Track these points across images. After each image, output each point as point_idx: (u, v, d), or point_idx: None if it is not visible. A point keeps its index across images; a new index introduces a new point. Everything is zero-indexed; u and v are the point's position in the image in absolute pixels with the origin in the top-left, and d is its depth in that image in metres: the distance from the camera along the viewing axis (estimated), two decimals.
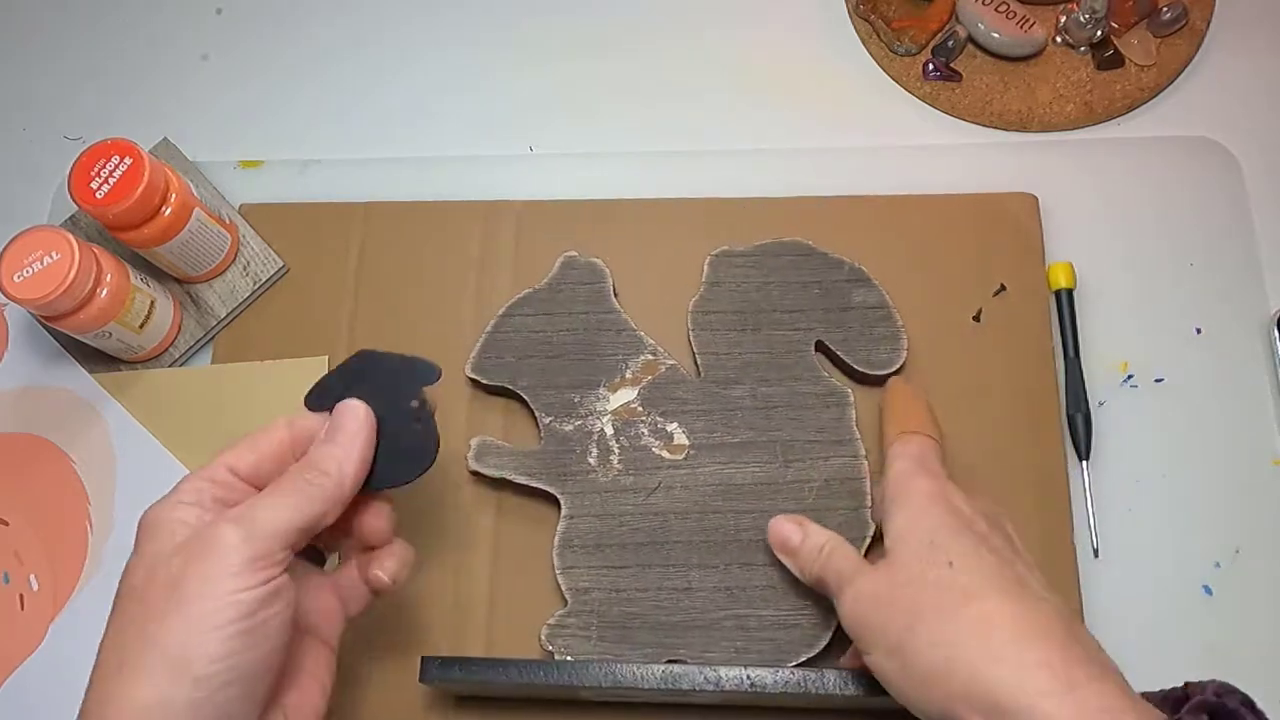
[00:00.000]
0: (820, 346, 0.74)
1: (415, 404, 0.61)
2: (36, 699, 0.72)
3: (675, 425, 0.73)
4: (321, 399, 0.61)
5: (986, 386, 0.75)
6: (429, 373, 0.61)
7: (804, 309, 0.75)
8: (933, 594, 0.56)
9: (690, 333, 0.75)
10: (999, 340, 0.76)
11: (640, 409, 0.73)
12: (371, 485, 0.60)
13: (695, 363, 0.75)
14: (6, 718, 0.71)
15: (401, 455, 0.60)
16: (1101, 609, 0.70)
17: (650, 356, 0.74)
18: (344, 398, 0.60)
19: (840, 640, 0.68)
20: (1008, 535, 0.62)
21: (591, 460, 0.72)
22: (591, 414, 0.73)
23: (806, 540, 0.65)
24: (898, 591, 0.58)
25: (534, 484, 0.72)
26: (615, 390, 0.73)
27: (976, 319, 0.76)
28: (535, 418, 0.74)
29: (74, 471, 0.76)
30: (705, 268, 0.76)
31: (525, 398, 0.74)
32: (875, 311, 0.74)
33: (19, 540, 0.75)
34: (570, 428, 0.73)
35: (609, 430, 0.73)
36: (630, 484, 0.71)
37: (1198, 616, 0.70)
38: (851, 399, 0.73)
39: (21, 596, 0.74)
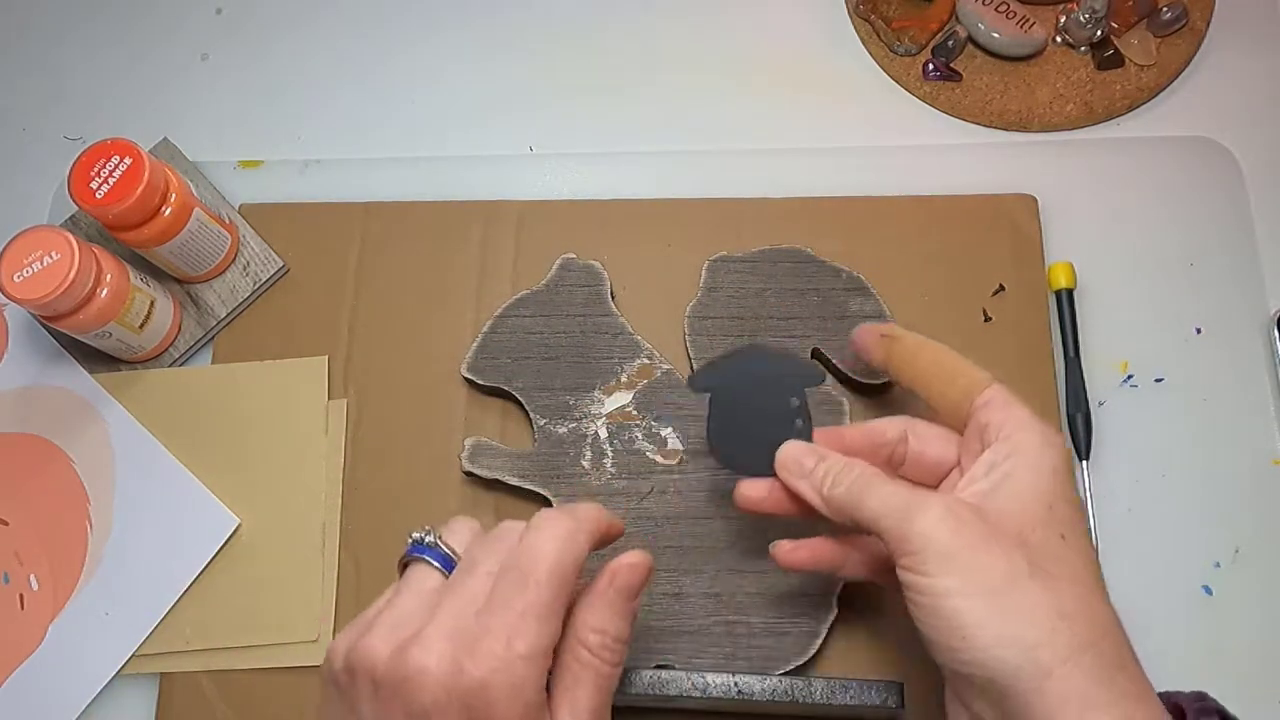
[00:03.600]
0: (816, 354, 0.74)
1: (796, 403, 0.63)
2: (36, 699, 0.72)
3: (669, 430, 0.73)
4: (706, 379, 0.64)
5: None
6: (814, 376, 0.64)
7: (801, 316, 0.75)
8: (1044, 554, 0.52)
9: (687, 337, 0.75)
10: (999, 340, 0.76)
11: (635, 413, 0.73)
12: (725, 463, 0.64)
13: (691, 367, 0.75)
14: (6, 718, 0.72)
15: (768, 448, 0.61)
16: None
17: (646, 360, 0.74)
18: (726, 383, 0.64)
19: (828, 650, 0.68)
20: None
21: (585, 463, 0.72)
22: (586, 417, 0.73)
23: (825, 461, 0.59)
24: (1003, 531, 0.52)
25: (527, 486, 0.72)
26: (610, 393, 0.74)
27: (986, 319, 0.76)
28: (530, 419, 0.74)
29: (74, 471, 0.77)
30: (703, 273, 0.76)
31: (520, 399, 0.74)
32: (872, 320, 0.74)
33: (19, 540, 0.75)
34: (564, 430, 0.73)
35: (603, 433, 0.73)
36: (623, 488, 0.71)
37: (1198, 616, 0.70)
38: (846, 407, 0.72)
39: (21, 596, 0.74)
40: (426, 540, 0.55)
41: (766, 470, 0.61)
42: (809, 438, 0.62)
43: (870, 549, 0.61)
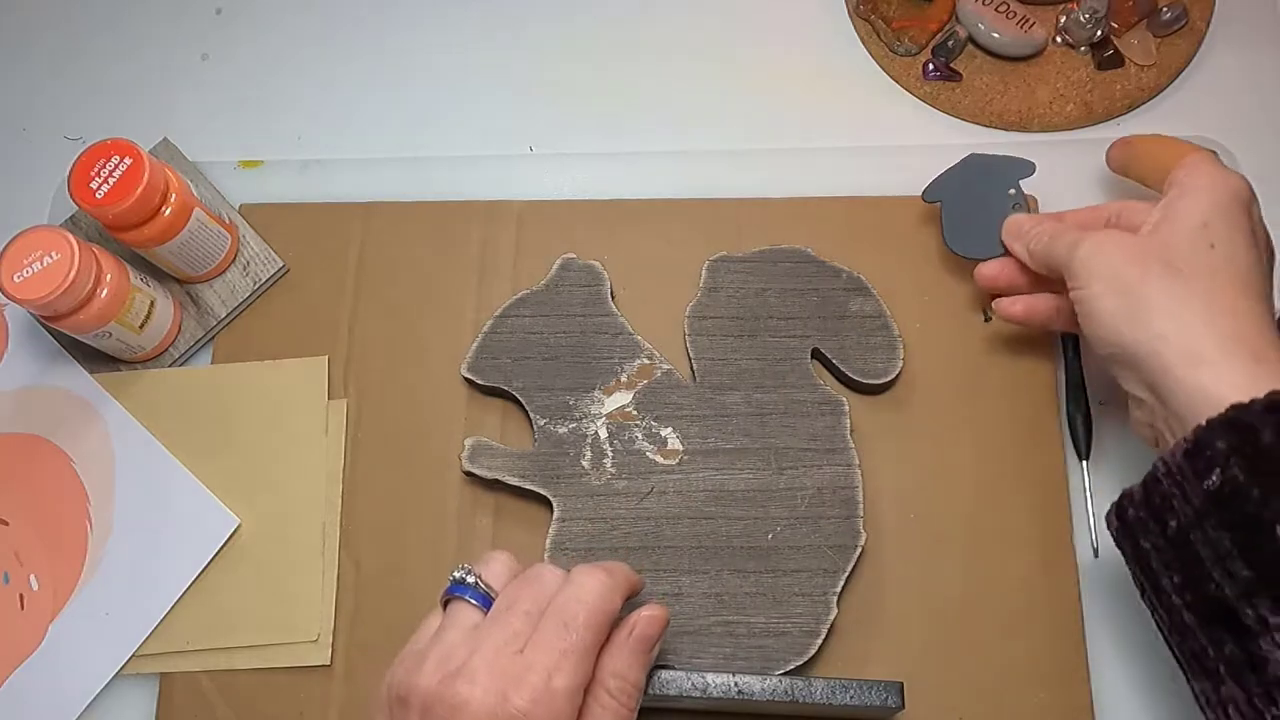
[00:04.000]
0: (816, 354, 0.74)
1: (1012, 191, 0.75)
2: (36, 699, 0.72)
3: (669, 430, 0.73)
4: (935, 192, 0.77)
5: (986, 386, 0.75)
6: (1027, 168, 0.76)
7: (801, 316, 0.75)
8: (1186, 259, 0.61)
9: (687, 337, 0.75)
10: (999, 340, 0.76)
11: (635, 413, 0.73)
12: (964, 255, 0.75)
13: (691, 368, 0.75)
14: (6, 718, 0.72)
15: (998, 233, 0.74)
16: (1101, 609, 0.70)
17: (646, 360, 0.74)
18: (952, 191, 0.76)
19: (828, 650, 0.68)
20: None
21: (585, 463, 0.72)
22: (586, 417, 0.73)
23: (1037, 225, 0.71)
24: (1150, 246, 0.63)
25: (526, 486, 0.72)
26: (610, 393, 0.74)
27: (986, 319, 0.76)
28: (530, 419, 0.74)
29: (74, 471, 0.77)
30: (703, 273, 0.76)
31: (520, 399, 0.74)
32: (872, 320, 0.74)
33: (19, 540, 0.75)
34: (564, 430, 0.73)
35: (603, 434, 0.73)
36: (623, 488, 0.72)
37: None
38: (846, 407, 0.73)
39: (21, 596, 0.74)
40: (468, 580, 0.59)
41: (993, 252, 0.74)
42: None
43: (1070, 306, 0.67)
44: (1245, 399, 0.54)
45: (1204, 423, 0.55)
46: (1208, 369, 0.57)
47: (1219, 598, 0.54)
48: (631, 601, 0.61)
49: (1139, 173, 0.74)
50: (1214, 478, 0.54)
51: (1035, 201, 0.78)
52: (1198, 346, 0.58)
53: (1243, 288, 0.60)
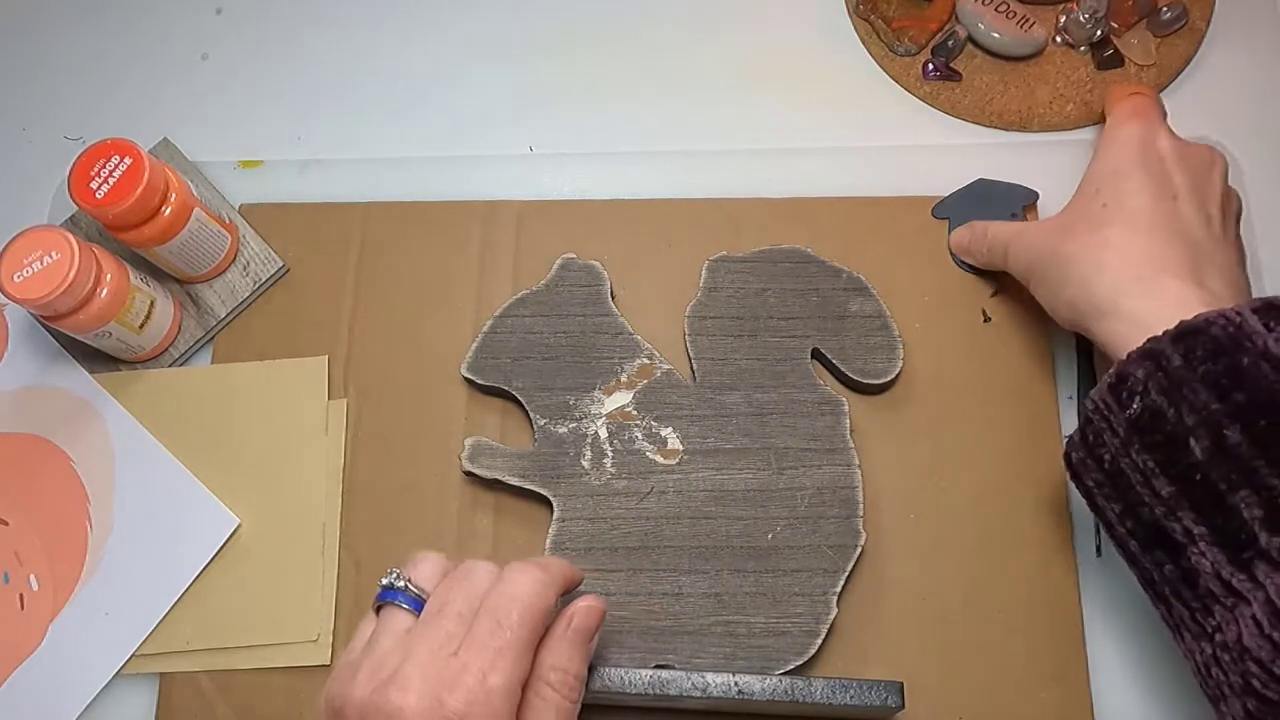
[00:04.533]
0: (816, 354, 0.74)
1: (1014, 215, 0.78)
2: (36, 699, 0.72)
3: (669, 430, 0.73)
4: (945, 208, 0.79)
5: (986, 386, 0.75)
6: (1030, 196, 0.79)
7: (801, 316, 0.75)
8: (1079, 225, 0.67)
9: (687, 337, 0.75)
10: (999, 340, 0.76)
11: (635, 413, 0.73)
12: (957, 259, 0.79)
13: (691, 367, 0.75)
14: (6, 718, 0.72)
15: None
16: (1101, 609, 0.70)
17: (646, 360, 0.74)
18: (961, 210, 0.79)
19: (828, 650, 0.69)
20: (1213, 188, 0.69)
21: (585, 463, 0.72)
22: (586, 417, 0.73)
23: (974, 230, 0.76)
24: (1055, 225, 0.69)
25: (526, 485, 0.72)
26: (610, 393, 0.74)
27: (986, 319, 0.76)
28: (530, 419, 0.74)
29: (74, 471, 0.77)
30: (703, 272, 0.76)
31: (520, 399, 0.74)
32: (872, 320, 0.74)
33: (19, 540, 0.75)
34: (564, 430, 0.73)
35: (603, 433, 0.73)
36: (623, 488, 0.71)
37: None
38: (846, 408, 0.72)
39: (22, 596, 0.74)
40: (397, 585, 0.59)
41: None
42: None
43: None
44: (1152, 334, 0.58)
45: (1124, 356, 0.59)
46: (1109, 320, 0.62)
47: (1152, 520, 0.58)
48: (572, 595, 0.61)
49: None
50: (1135, 405, 0.58)
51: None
52: (1098, 302, 0.63)
53: (1139, 229, 0.65)
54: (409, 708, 0.52)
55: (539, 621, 0.57)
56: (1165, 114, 0.74)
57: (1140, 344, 0.58)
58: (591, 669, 0.62)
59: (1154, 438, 0.57)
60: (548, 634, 0.58)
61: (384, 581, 0.60)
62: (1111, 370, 0.60)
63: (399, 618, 0.58)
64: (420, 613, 0.58)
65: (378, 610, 0.60)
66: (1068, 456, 0.64)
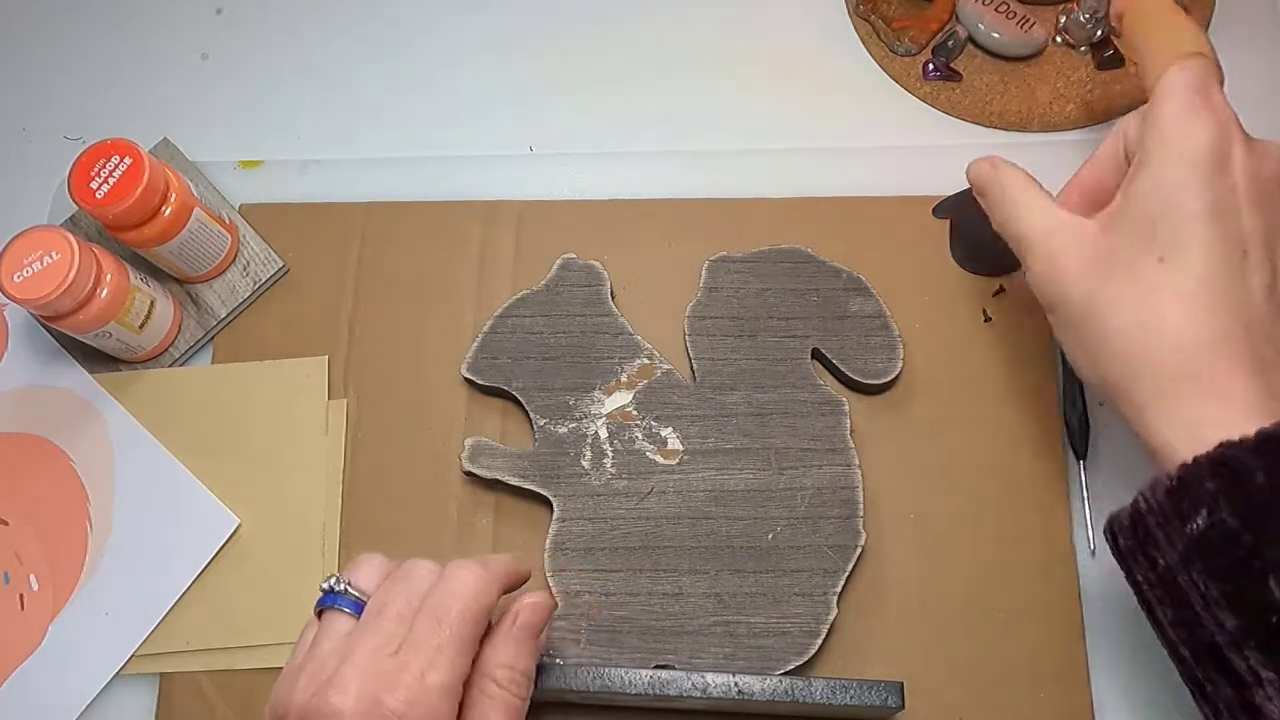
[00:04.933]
0: (816, 354, 0.74)
1: None
2: (36, 699, 0.72)
3: (669, 430, 0.73)
4: (945, 209, 0.79)
5: (987, 386, 0.75)
6: None
7: (801, 316, 0.75)
8: (1122, 274, 0.57)
9: (687, 337, 0.75)
10: (999, 340, 0.76)
11: (635, 413, 0.73)
12: (971, 271, 0.78)
13: (691, 368, 0.75)
14: (6, 718, 0.72)
15: (1000, 254, 0.70)
16: (1101, 609, 0.70)
17: (646, 360, 0.74)
18: (963, 210, 0.77)
19: (828, 650, 0.69)
20: None
21: (585, 463, 0.72)
22: (586, 417, 0.73)
23: (997, 172, 0.67)
24: (1097, 261, 0.58)
25: (526, 486, 0.72)
26: (610, 393, 0.74)
27: (986, 319, 0.76)
28: (530, 419, 0.74)
29: (74, 471, 0.77)
30: (703, 273, 0.76)
31: (520, 399, 0.74)
32: (872, 320, 0.74)
33: (19, 540, 0.75)
34: (564, 430, 0.73)
35: (603, 433, 0.73)
36: (623, 488, 0.71)
37: None
38: (846, 407, 0.72)
39: (21, 596, 0.74)
40: (336, 588, 0.59)
41: (999, 270, 0.77)
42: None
43: None
44: (1188, 451, 0.51)
45: (1190, 459, 0.51)
46: (1152, 414, 0.54)
47: (1210, 643, 0.51)
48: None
49: (1132, 31, 0.66)
50: (1199, 521, 0.50)
51: None
52: (1143, 395, 0.55)
53: (1200, 304, 0.54)
54: (348, 709, 0.52)
55: (480, 618, 0.57)
56: (1223, 79, 0.60)
57: (1210, 448, 0.51)
58: (592, 669, 0.62)
59: (1222, 562, 0.50)
60: (494, 631, 0.58)
61: (324, 586, 0.59)
62: (1172, 472, 0.52)
63: (340, 621, 0.58)
64: (361, 615, 0.58)
65: (319, 616, 0.60)
66: (1113, 537, 0.57)
